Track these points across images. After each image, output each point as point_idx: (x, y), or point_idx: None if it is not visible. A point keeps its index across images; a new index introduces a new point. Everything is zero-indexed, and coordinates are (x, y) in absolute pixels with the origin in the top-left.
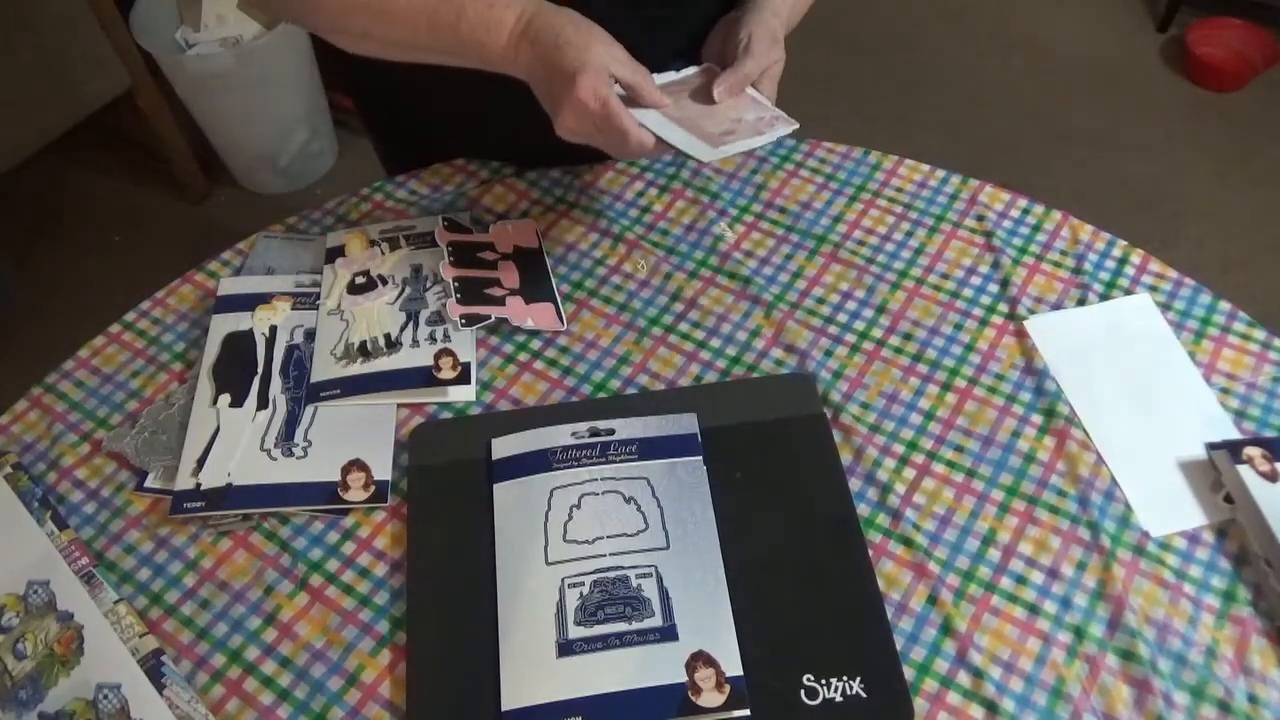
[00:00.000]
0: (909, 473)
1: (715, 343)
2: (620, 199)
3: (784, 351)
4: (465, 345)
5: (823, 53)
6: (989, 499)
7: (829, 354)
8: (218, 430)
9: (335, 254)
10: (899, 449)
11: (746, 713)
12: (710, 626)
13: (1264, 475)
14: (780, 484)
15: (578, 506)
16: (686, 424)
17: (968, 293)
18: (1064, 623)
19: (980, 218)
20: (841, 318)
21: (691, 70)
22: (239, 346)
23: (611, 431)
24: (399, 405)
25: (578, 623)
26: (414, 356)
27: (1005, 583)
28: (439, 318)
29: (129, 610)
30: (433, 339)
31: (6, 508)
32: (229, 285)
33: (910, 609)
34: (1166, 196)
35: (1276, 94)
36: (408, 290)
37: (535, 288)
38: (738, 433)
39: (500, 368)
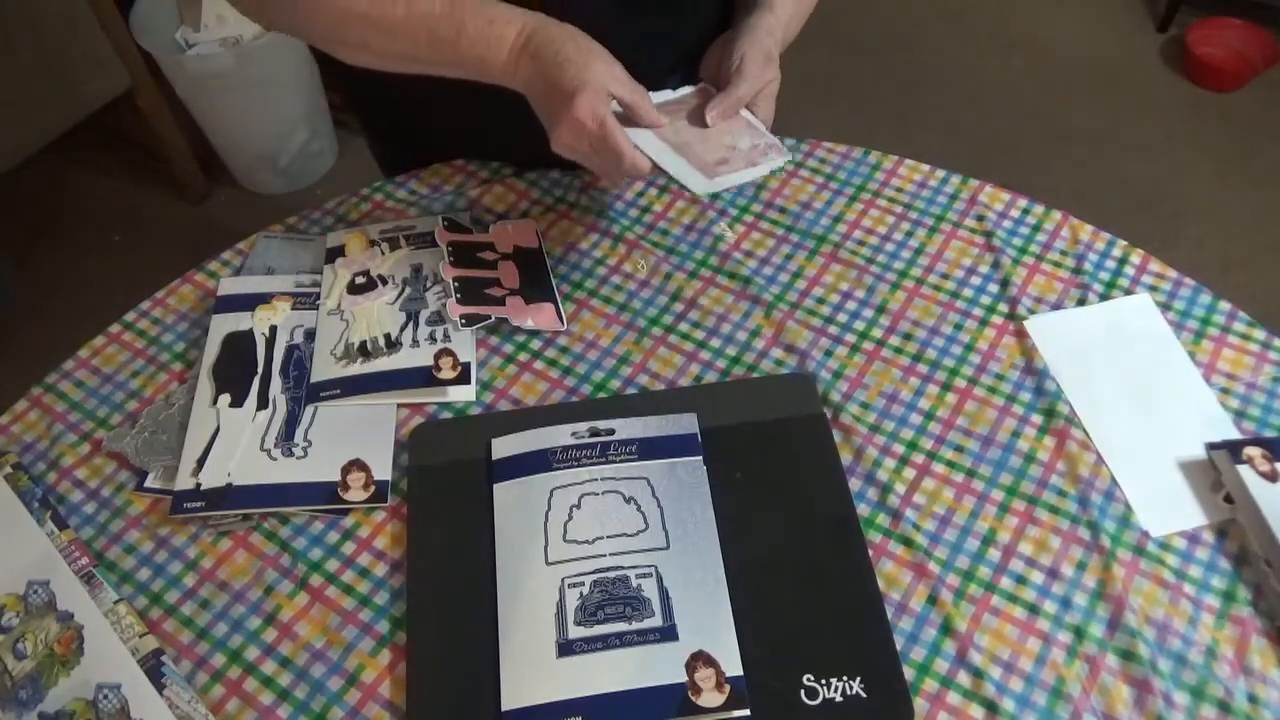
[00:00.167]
0: (909, 473)
1: (715, 343)
2: (620, 199)
3: (784, 351)
4: (465, 345)
5: (823, 52)
6: (989, 499)
7: (829, 354)
8: (218, 430)
9: (335, 254)
10: (899, 449)
11: (746, 713)
12: (710, 626)
13: (1264, 475)
14: (780, 484)
15: (578, 506)
16: (686, 424)
17: (968, 293)
18: (1064, 623)
19: (980, 218)
20: (841, 318)
21: (688, 90)
22: (239, 346)
23: (611, 431)
24: (399, 405)
25: (578, 623)
26: (414, 356)
27: (1005, 583)
28: (439, 318)
29: (129, 610)
30: (433, 339)
31: (6, 508)
32: (229, 285)
33: (910, 609)
34: (1166, 196)
35: (1276, 94)
36: (408, 290)
37: (535, 288)
38: (738, 433)
39: (500, 368)
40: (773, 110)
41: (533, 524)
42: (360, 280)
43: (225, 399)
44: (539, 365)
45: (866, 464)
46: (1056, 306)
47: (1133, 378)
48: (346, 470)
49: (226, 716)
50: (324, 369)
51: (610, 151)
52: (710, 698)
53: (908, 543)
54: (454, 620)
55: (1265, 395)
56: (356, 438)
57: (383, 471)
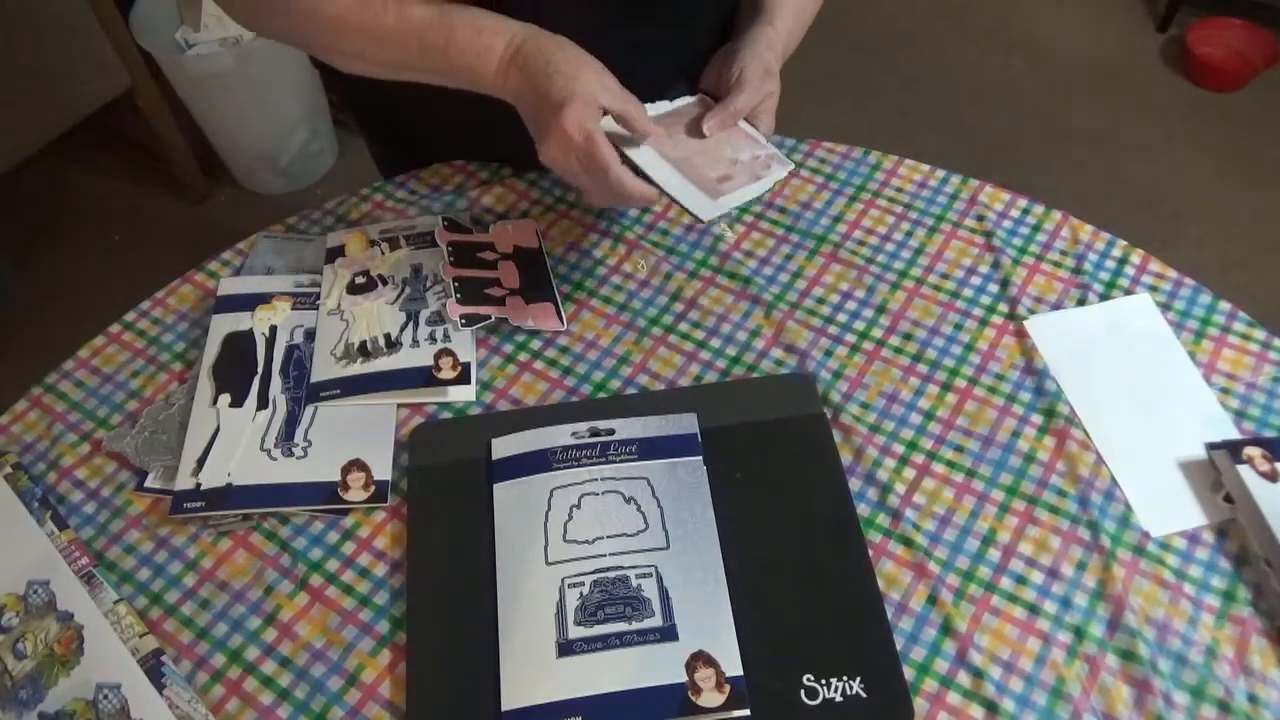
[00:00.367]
0: (909, 473)
1: (715, 343)
2: None
3: (784, 351)
4: (465, 345)
5: (825, 50)
6: (989, 499)
7: (829, 354)
8: (218, 430)
9: (335, 254)
10: (899, 449)
11: (746, 713)
12: (710, 626)
13: (1264, 475)
14: (780, 484)
15: (578, 506)
16: (686, 424)
17: (968, 293)
18: (1064, 623)
19: (980, 218)
20: (841, 318)
21: (686, 100)
22: (239, 346)
23: (611, 431)
24: (399, 405)
25: (578, 623)
26: (414, 356)
27: (1005, 583)
28: (439, 318)
29: (129, 610)
30: (433, 339)
31: (6, 508)
32: (229, 285)
33: (910, 609)
34: (1166, 196)
35: (1276, 94)
36: (408, 290)
37: (535, 288)
38: (738, 433)
39: (500, 368)
40: (773, 123)
41: (533, 524)
42: (360, 280)
43: (225, 399)
44: (539, 365)
45: (866, 464)
46: (1056, 306)
47: (1133, 378)
48: (346, 470)
49: (226, 716)
50: (324, 369)
51: (597, 168)
52: (710, 698)
53: (908, 543)
54: (454, 620)
55: (1265, 395)
56: (356, 438)
57: (383, 471)
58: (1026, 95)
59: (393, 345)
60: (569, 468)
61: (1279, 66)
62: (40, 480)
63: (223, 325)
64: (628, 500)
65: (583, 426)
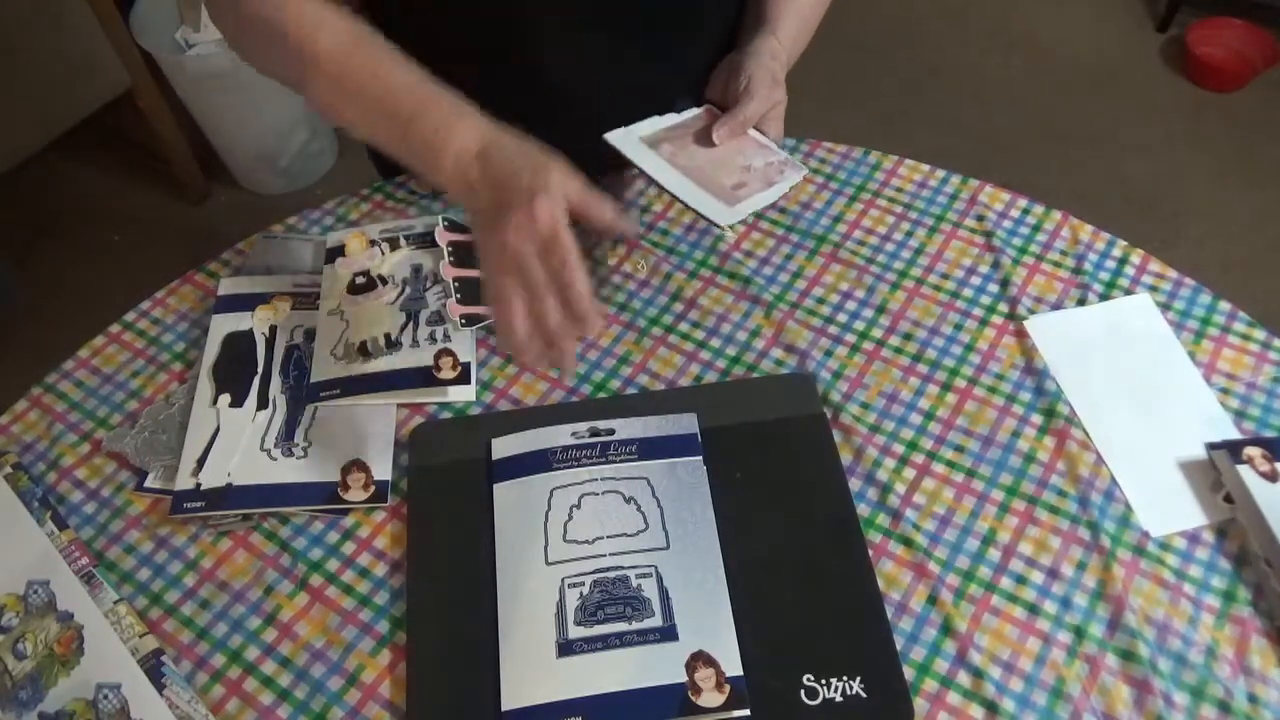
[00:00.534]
0: (909, 473)
1: (715, 343)
2: (619, 199)
3: (784, 351)
4: (465, 345)
5: (825, 51)
6: (989, 499)
7: (829, 354)
8: (218, 430)
9: (335, 254)
10: (899, 449)
11: (746, 713)
12: (710, 626)
13: (1264, 475)
14: (780, 484)
15: (578, 506)
16: (686, 424)
17: (968, 293)
18: (1064, 623)
19: (980, 218)
20: (841, 318)
21: (694, 112)
22: (239, 346)
23: (611, 431)
24: (399, 405)
25: (578, 623)
26: (414, 356)
27: (1005, 583)
28: (439, 318)
29: (129, 610)
30: (433, 339)
31: (6, 508)
32: (229, 285)
33: (910, 609)
34: (1166, 196)
35: (1276, 94)
36: (408, 290)
37: None
38: (738, 433)
39: (500, 368)
40: (782, 131)
41: (533, 524)
42: (360, 280)
43: (225, 399)
44: None
45: (866, 464)
46: (1056, 306)
47: (1133, 378)
48: (346, 470)
49: (226, 716)
50: (324, 369)
51: (556, 255)
52: (710, 698)
53: (908, 543)
54: (454, 620)
55: (1265, 395)
56: (356, 438)
57: (383, 471)
58: (1026, 95)
59: (393, 345)
60: (569, 468)
61: (1279, 66)
62: (40, 480)
63: (223, 325)
64: (628, 500)
65: (583, 426)
